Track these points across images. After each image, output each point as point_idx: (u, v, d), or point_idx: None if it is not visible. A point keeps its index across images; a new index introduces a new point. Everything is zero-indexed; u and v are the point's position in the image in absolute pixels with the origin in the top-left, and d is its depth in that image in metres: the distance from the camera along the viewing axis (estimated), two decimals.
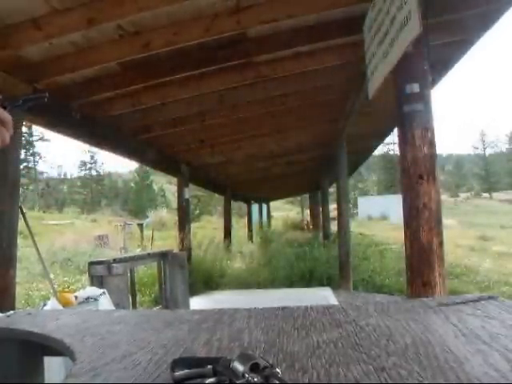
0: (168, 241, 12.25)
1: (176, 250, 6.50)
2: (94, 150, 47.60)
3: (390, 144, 52.26)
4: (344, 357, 0.68)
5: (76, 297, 3.04)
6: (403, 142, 2.56)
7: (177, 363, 0.64)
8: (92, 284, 3.73)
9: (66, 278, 8.50)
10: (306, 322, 0.92)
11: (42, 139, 45.91)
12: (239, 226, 20.35)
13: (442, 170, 65.64)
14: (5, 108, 0.82)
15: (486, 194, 61.19)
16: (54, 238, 12.71)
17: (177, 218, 8.43)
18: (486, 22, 3.59)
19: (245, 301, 6.06)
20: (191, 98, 4.70)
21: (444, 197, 47.12)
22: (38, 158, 47.17)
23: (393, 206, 25.63)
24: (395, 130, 3.46)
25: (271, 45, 3.70)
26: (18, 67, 3.19)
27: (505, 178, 65.93)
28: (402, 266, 3.89)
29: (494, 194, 59.46)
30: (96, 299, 3.09)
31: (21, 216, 3.38)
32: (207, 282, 7.94)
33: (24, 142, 38.46)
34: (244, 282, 8.30)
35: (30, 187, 43.34)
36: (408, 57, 2.45)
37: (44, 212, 30.56)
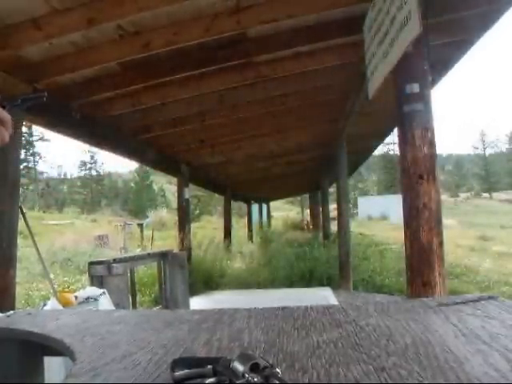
0: (168, 241, 12.25)
1: (176, 250, 6.50)
2: (94, 150, 47.69)
3: (390, 144, 52.27)
4: (344, 357, 0.68)
5: (76, 297, 3.04)
6: (403, 142, 2.56)
7: (177, 363, 0.64)
8: (92, 284, 3.73)
9: (66, 278, 8.50)
10: (306, 322, 0.92)
11: (42, 139, 45.95)
12: (239, 226, 20.35)
13: (442, 170, 65.64)
14: (4, 107, 0.82)
15: (486, 194, 61.18)
16: (54, 238, 12.71)
17: (177, 218, 8.43)
18: (485, 22, 3.59)
19: (245, 301, 6.05)
20: (191, 98, 4.70)
21: (444, 197, 47.11)
22: (37, 157, 47.23)
23: (393, 206, 25.63)
24: (395, 130, 3.46)
25: (271, 45, 3.70)
26: (17, 67, 3.19)
27: (505, 178, 65.93)
28: (402, 265, 3.89)
29: (494, 194, 59.45)
30: (96, 299, 3.09)
31: (21, 216, 3.38)
32: (207, 281, 7.94)
33: (24, 142, 38.45)
34: (244, 282, 8.30)
35: (30, 187, 43.34)
36: (408, 57, 2.45)
37: (44, 212, 30.56)
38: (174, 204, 13.55)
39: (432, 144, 2.49)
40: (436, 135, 2.52)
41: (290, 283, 7.75)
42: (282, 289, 7.48)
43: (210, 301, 6.71)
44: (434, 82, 4.21)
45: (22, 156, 35.69)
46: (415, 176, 2.48)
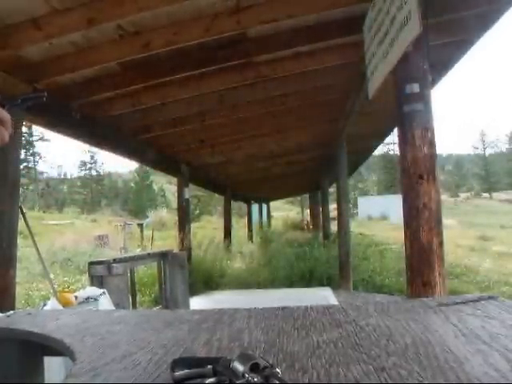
0: (168, 241, 12.25)
1: (176, 250, 6.50)
2: (94, 150, 47.69)
3: (390, 144, 52.28)
4: (344, 357, 0.68)
5: (76, 297, 3.04)
6: (403, 142, 2.56)
7: (177, 363, 0.64)
8: (92, 284, 3.73)
9: (66, 278, 8.50)
10: (305, 322, 0.92)
11: (42, 139, 45.95)
12: (239, 226, 20.35)
13: (442, 170, 65.64)
14: (3, 107, 0.82)
15: (485, 194, 61.19)
16: (54, 238, 12.71)
17: (177, 218, 8.43)
18: (485, 22, 3.59)
19: (245, 301, 6.05)
20: (191, 98, 4.70)
21: (444, 197, 47.12)
22: (38, 157, 47.23)
23: (393, 206, 25.64)
24: (395, 130, 3.46)
25: (271, 45, 3.70)
26: (18, 67, 3.19)
27: (505, 178, 65.92)
28: (402, 265, 3.88)
29: (494, 194, 59.46)
30: (96, 299, 3.09)
31: (21, 216, 3.38)
32: (207, 281, 7.94)
33: (24, 141, 38.46)
34: (244, 282, 8.30)
35: (30, 187, 43.34)
36: (408, 57, 2.45)
37: (44, 212, 30.56)
38: (174, 204, 13.55)
39: (432, 144, 2.49)
40: (436, 135, 2.52)
41: (290, 283, 7.75)
42: (281, 289, 7.48)
43: (210, 301, 6.71)
44: (434, 82, 4.21)
45: (22, 156, 35.70)
46: (415, 176, 2.48)
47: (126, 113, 4.69)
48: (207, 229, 19.75)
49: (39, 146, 54.76)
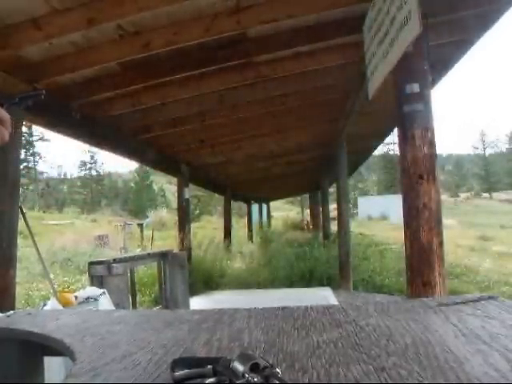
0: (168, 241, 12.25)
1: (176, 250, 6.50)
2: (94, 149, 47.70)
3: (390, 144, 52.28)
4: (344, 357, 0.68)
5: (76, 297, 3.04)
6: (403, 142, 2.56)
7: (177, 363, 0.64)
8: (92, 284, 3.73)
9: (66, 278, 8.50)
10: (305, 322, 0.92)
11: (42, 139, 45.96)
12: (239, 226, 20.35)
13: (442, 170, 65.64)
14: (2, 106, 0.82)
15: (485, 194, 61.19)
16: (54, 238, 12.71)
17: (177, 217, 8.43)
18: (485, 22, 3.59)
19: (245, 301, 6.05)
20: (191, 97, 4.70)
21: (444, 197, 47.11)
22: (38, 157, 47.23)
23: (393, 206, 25.64)
24: (395, 130, 3.46)
25: (271, 45, 3.70)
26: (18, 67, 3.19)
27: (505, 178, 65.90)
28: (402, 265, 3.88)
29: (494, 194, 59.45)
30: (96, 299, 3.09)
31: (21, 216, 3.37)
32: (207, 281, 7.93)
33: (24, 141, 38.45)
34: (244, 282, 8.30)
35: (30, 187, 43.34)
36: (408, 57, 2.45)
37: (44, 212, 30.56)
38: (174, 204, 13.55)
39: (432, 144, 2.49)
40: (436, 135, 2.52)
41: (290, 283, 7.75)
42: (281, 289, 7.48)
43: (210, 301, 6.71)
44: (434, 82, 4.22)
45: (22, 156, 35.74)
46: (415, 176, 2.48)
47: (125, 113, 4.69)
48: (207, 229, 19.74)
49: (39, 146, 54.82)
